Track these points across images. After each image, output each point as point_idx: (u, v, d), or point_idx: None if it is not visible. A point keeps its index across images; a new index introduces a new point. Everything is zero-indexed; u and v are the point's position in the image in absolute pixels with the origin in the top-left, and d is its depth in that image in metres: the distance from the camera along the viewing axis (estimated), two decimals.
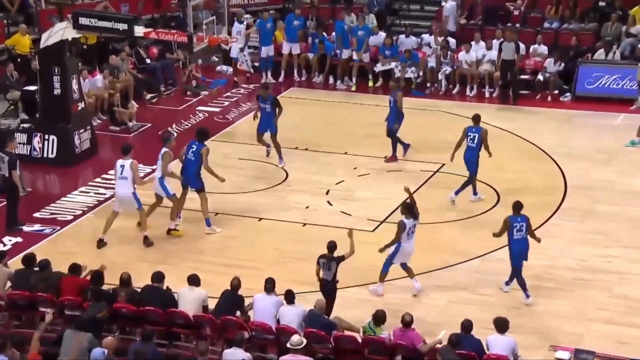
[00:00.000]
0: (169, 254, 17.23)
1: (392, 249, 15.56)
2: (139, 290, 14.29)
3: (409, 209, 15.58)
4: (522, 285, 15.49)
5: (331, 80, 26.96)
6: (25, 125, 21.71)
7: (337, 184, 20.15)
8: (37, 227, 18.32)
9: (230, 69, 27.62)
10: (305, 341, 12.89)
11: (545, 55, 25.82)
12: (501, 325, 13.22)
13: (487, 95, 25.70)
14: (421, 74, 26.17)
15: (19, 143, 20.70)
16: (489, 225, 17.42)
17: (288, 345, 12.85)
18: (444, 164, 20.56)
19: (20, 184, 18.56)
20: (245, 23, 26.88)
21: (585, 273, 16.47)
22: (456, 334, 12.97)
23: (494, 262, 16.55)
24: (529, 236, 15.51)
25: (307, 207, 19.11)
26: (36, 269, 14.71)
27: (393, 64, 26.16)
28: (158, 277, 14.27)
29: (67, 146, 21.20)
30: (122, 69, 24.95)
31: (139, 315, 13.85)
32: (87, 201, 19.50)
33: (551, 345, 14.22)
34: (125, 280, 14.24)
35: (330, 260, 14.62)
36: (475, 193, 19.11)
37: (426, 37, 26.85)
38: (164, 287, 14.30)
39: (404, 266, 15.77)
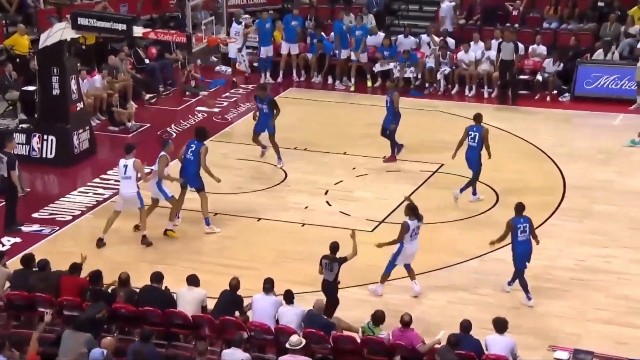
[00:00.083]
0: (167, 254, 17.22)
1: (394, 249, 15.55)
2: (137, 290, 14.29)
3: (413, 210, 15.56)
4: (524, 286, 15.47)
5: (330, 80, 26.97)
6: (24, 125, 21.71)
7: (336, 184, 20.15)
8: (35, 227, 18.31)
9: (229, 69, 27.61)
10: (304, 341, 12.90)
11: (544, 56, 25.81)
12: (500, 325, 13.22)
13: (486, 95, 25.69)
14: (419, 76, 26.15)
15: (18, 143, 20.72)
16: (489, 226, 17.46)
17: (287, 345, 12.84)
18: (442, 164, 20.57)
19: (19, 184, 18.54)
20: (243, 23, 26.86)
21: (584, 273, 16.46)
22: (455, 334, 12.96)
23: (493, 263, 16.54)
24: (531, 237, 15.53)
25: (306, 208, 19.10)
26: (35, 269, 14.71)
27: (392, 65, 26.16)
28: (157, 277, 14.27)
29: (65, 146, 21.20)
30: (120, 69, 24.94)
31: (138, 316, 13.84)
32: (86, 201, 19.49)
33: (550, 346, 14.22)
34: (124, 280, 14.24)
35: (332, 261, 14.61)
36: (474, 193, 19.11)
37: (424, 37, 26.84)
38: (163, 287, 14.30)
39: (407, 267, 15.77)
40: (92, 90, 23.67)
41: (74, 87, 21.13)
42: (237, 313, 13.86)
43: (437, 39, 26.46)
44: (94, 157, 21.75)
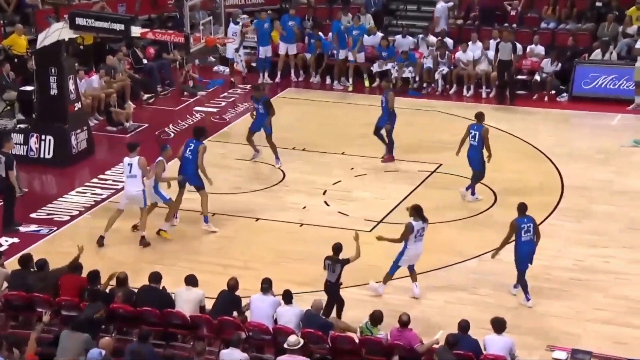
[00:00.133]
0: (166, 254, 17.20)
1: (398, 250, 15.51)
2: (135, 290, 14.27)
3: (418, 211, 15.52)
4: (524, 287, 15.46)
5: (328, 80, 26.95)
6: (22, 125, 21.69)
7: (334, 184, 20.13)
8: (33, 227, 18.28)
9: (227, 70, 27.59)
10: (302, 341, 12.88)
11: (542, 56, 25.81)
12: (498, 325, 13.21)
13: (484, 95, 25.67)
14: (417, 78, 26.12)
15: (16, 143, 20.69)
16: (488, 226, 17.47)
17: (285, 345, 12.83)
18: (441, 164, 20.58)
19: (17, 184, 18.53)
20: (241, 24, 26.84)
21: (582, 273, 16.46)
22: (453, 334, 12.96)
23: (492, 263, 16.47)
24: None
25: (304, 208, 19.08)
26: (33, 269, 14.68)
27: (390, 65, 26.15)
28: (155, 277, 14.25)
29: (63, 146, 21.18)
30: (118, 70, 24.92)
31: (136, 316, 13.83)
32: (84, 202, 19.46)
33: (548, 346, 14.22)
34: (122, 280, 14.22)
35: (335, 262, 14.59)
36: (473, 193, 19.11)
37: (431, 39, 26.81)
38: (161, 288, 14.28)
39: (410, 269, 15.74)
40: (90, 91, 23.65)
41: (71, 87, 21.11)
42: (235, 313, 13.85)
43: (433, 39, 26.45)
44: (92, 157, 21.72)
